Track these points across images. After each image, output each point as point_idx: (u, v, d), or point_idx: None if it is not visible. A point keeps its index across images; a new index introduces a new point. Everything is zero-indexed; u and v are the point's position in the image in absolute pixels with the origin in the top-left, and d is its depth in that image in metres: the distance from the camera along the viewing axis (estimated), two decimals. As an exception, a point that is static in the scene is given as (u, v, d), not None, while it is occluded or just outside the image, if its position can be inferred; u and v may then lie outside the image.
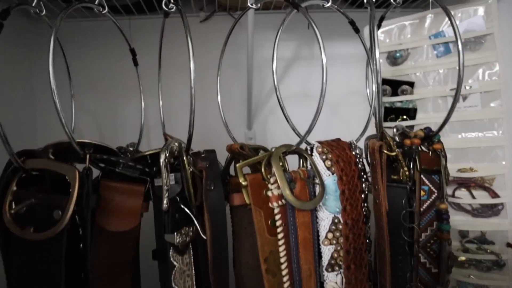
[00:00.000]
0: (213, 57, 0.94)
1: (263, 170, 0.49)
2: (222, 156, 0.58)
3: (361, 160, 0.54)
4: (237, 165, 0.49)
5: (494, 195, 0.74)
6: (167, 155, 0.43)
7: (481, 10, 0.72)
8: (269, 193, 0.47)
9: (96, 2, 0.49)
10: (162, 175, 0.43)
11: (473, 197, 0.75)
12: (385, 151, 0.48)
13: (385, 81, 0.83)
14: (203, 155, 0.49)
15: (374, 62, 0.51)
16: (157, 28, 0.70)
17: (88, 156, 0.41)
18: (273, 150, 0.51)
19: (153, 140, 0.88)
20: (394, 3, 0.57)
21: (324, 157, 0.53)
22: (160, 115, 0.68)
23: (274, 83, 0.53)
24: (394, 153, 0.48)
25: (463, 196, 0.76)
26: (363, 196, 0.54)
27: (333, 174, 0.51)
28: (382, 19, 0.64)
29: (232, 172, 0.59)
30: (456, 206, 0.77)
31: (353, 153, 0.54)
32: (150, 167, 0.46)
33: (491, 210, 0.75)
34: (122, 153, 0.52)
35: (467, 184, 0.76)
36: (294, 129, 0.53)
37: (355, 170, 0.53)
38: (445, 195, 0.53)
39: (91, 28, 0.88)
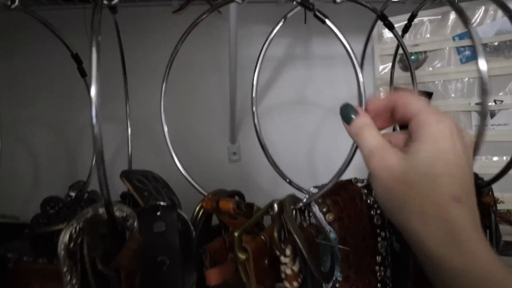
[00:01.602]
0: (191, 57, 0.79)
1: (275, 235, 0.34)
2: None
3: (378, 211, 0.41)
4: (236, 233, 0.34)
5: (522, 231, 0.62)
6: (74, 233, 0.26)
7: (521, 7, 0.57)
8: (288, 271, 0.33)
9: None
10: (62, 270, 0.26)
11: (497, 232, 0.64)
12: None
13: (396, 89, 0.69)
14: (158, 213, 0.35)
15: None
16: (120, 17, 0.49)
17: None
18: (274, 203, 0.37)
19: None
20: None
21: (325, 209, 0.40)
22: (128, 148, 0.52)
23: (253, 111, 0.39)
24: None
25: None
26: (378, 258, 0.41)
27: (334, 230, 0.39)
28: (413, 17, 0.49)
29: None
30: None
31: (369, 201, 0.41)
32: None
33: (517, 248, 0.63)
34: (52, 207, 0.37)
35: (490, 216, 0.64)
36: (291, 183, 0.39)
37: (367, 227, 0.39)
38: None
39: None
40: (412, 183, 0.23)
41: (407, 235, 0.24)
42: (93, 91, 0.25)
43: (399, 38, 0.50)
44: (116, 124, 0.68)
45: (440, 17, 0.65)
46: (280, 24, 0.45)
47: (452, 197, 0.22)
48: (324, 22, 0.34)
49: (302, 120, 0.82)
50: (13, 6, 0.35)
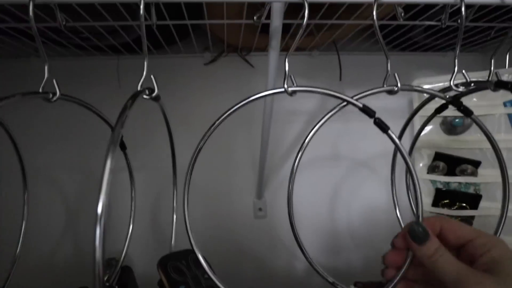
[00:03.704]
0: (222, 110, 0.76)
1: None
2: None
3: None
4: None
5: None
6: None
7: None
8: None
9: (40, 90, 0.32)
10: None
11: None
12: None
13: (438, 155, 0.64)
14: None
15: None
16: (151, 68, 0.48)
17: None
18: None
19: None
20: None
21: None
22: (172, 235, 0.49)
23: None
24: None
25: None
26: None
27: None
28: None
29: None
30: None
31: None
32: None
33: None
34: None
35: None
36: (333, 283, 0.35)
37: None
38: None
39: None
40: None
41: None
42: (100, 208, 0.22)
43: (483, 127, 0.42)
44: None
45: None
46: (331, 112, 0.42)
47: None
48: (386, 131, 0.31)
49: (333, 172, 0.78)
50: (54, 98, 0.34)
